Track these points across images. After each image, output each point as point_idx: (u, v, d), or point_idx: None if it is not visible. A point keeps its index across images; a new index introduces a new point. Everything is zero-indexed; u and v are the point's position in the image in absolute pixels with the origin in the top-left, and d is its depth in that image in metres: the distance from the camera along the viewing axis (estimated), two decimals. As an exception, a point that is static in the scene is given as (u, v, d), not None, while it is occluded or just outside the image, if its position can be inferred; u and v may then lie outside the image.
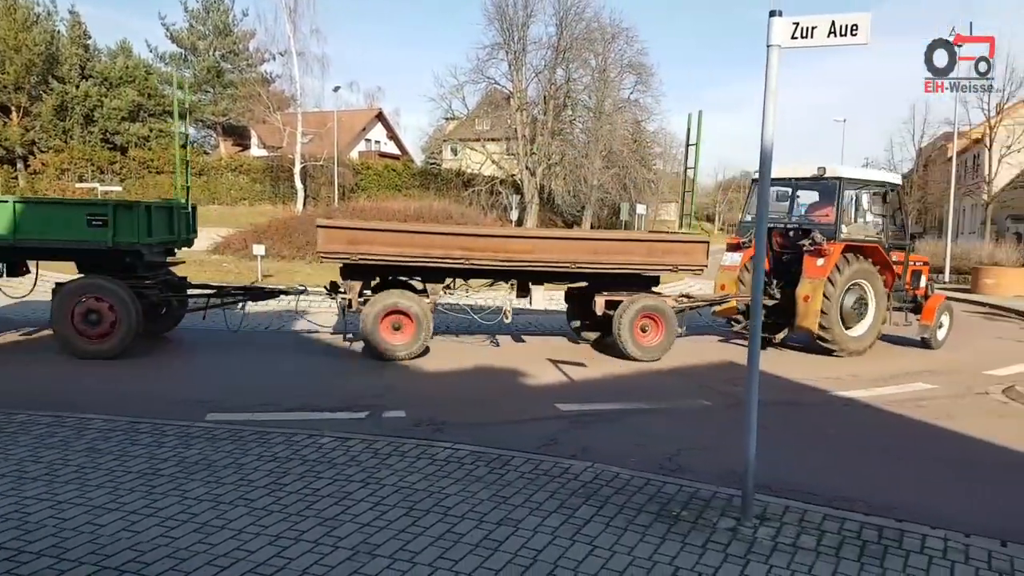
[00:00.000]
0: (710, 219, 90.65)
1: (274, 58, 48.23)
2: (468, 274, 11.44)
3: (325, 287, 11.58)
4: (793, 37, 4.57)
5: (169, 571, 3.91)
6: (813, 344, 12.10)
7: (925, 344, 12.89)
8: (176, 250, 12.36)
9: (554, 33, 49.11)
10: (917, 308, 13.20)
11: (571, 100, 52.40)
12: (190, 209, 11.96)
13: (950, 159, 34.98)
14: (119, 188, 36.97)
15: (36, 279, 11.57)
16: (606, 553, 4.27)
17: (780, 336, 12.53)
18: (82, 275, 10.35)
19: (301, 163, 40.03)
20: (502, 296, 11.85)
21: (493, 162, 52.02)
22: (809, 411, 8.61)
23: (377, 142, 62.98)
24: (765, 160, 4.71)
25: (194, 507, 4.76)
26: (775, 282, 12.54)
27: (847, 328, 12.02)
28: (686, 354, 11.79)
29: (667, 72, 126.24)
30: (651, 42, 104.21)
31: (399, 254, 10.44)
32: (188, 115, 13.05)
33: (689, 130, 11.84)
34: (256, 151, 53.58)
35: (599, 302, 11.38)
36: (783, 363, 11.09)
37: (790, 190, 13.51)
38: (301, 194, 40.04)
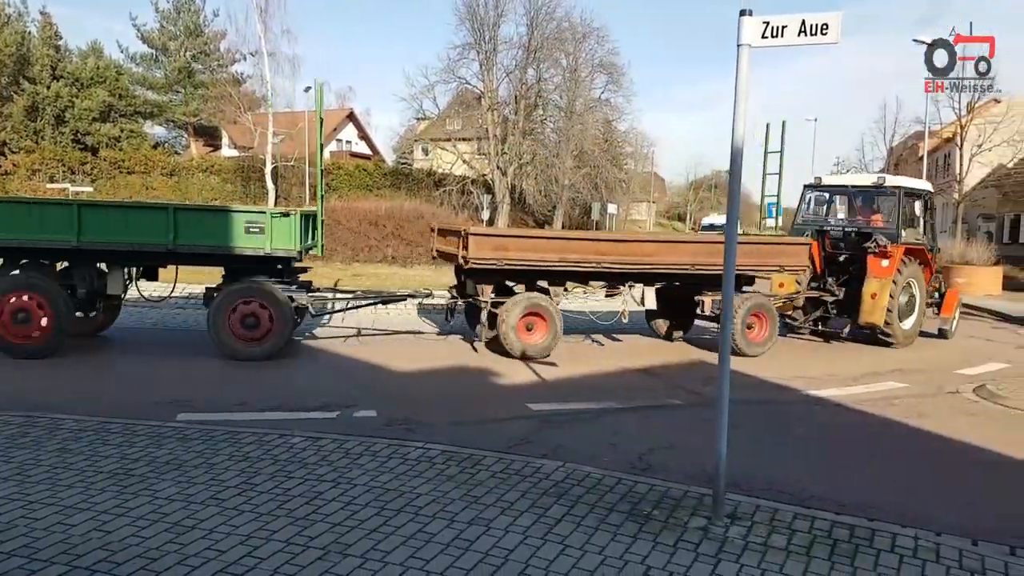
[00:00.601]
0: (681, 218, 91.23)
1: (245, 58, 47.78)
2: (593, 277, 12.06)
3: (449, 290, 12.32)
4: (763, 36, 4.61)
5: (140, 571, 3.86)
6: (873, 336, 13.19)
7: (942, 335, 14.16)
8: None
9: (525, 33, 49.12)
10: (938, 303, 14.47)
11: (542, 100, 52.46)
12: (321, 217, 12.06)
13: (921, 158, 35.48)
14: (90, 189, 36.39)
15: (175, 283, 11.75)
16: (577, 552, 4.27)
17: (846, 330, 13.57)
18: (240, 280, 10.53)
19: (272, 163, 39.69)
20: (619, 298, 12.21)
21: (464, 162, 51.94)
22: (781, 410, 8.68)
23: (348, 142, 62.63)
24: (736, 158, 4.74)
25: (165, 507, 4.71)
26: (832, 280, 13.83)
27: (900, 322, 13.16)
28: (658, 354, 11.87)
29: (637, 71, 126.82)
30: (621, 40, 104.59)
31: (540, 259, 10.97)
32: (321, 125, 12.85)
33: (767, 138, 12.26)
34: (227, 151, 53.02)
35: (707, 302, 12.02)
36: (755, 363, 11.17)
37: (827, 195, 15.09)
38: (272, 194, 39.68)
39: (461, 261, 10.70)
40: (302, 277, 11.62)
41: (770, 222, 36.37)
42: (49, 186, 36.83)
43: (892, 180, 13.87)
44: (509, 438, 6.90)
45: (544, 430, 7.30)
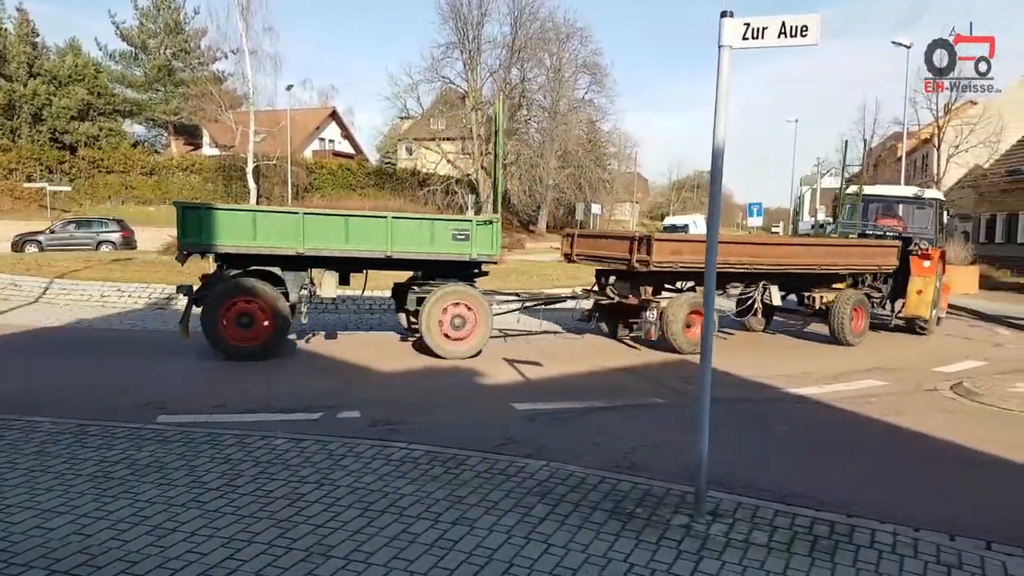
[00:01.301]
0: (664, 218, 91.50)
1: (226, 56, 47.52)
2: (744, 277, 13.05)
3: (591, 290, 13.30)
4: (744, 38, 4.63)
5: (121, 574, 3.84)
6: (912, 327, 14.79)
7: (936, 324, 15.33)
8: None
9: (509, 32, 49.26)
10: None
11: (526, 100, 52.55)
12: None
13: (900, 159, 35.79)
14: (68, 188, 36.07)
15: (364, 286, 12.42)
16: (561, 551, 4.28)
17: (892, 323, 15.26)
18: (449, 284, 11.19)
19: (254, 162, 39.47)
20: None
21: (448, 161, 51.94)
22: (762, 408, 8.74)
23: (331, 141, 62.41)
24: (717, 158, 4.77)
25: (145, 510, 4.68)
26: (870, 278, 15.18)
27: None
28: (640, 353, 11.91)
29: (620, 72, 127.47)
30: (604, 41, 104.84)
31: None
32: (499, 135, 12.98)
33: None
34: (208, 150, 52.74)
35: (817, 297, 13.74)
36: (736, 361, 11.24)
37: (862, 203, 17.48)
38: (254, 194, 39.50)
39: (637, 264, 11.50)
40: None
41: (755, 221, 36.66)
42: (26, 185, 36.48)
43: (929, 193, 16.54)
44: (493, 438, 6.90)
45: (528, 430, 7.31)
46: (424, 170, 52.54)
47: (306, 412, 7.63)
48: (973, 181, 35.89)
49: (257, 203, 38.56)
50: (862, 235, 16.24)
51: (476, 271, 11.63)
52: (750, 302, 13.23)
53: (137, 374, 9.48)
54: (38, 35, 47.88)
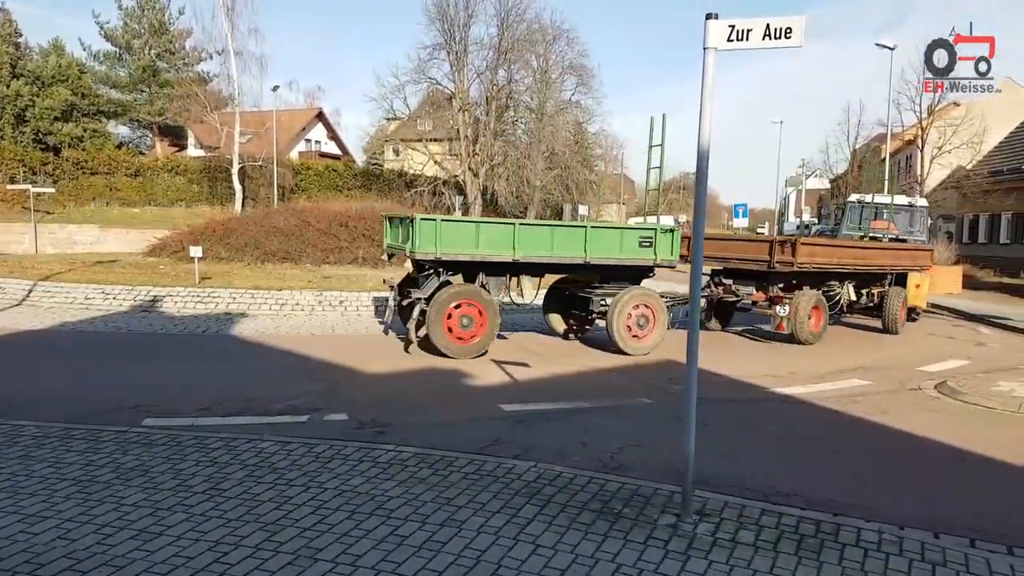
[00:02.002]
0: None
1: (211, 57, 47.18)
2: (846, 277, 14.97)
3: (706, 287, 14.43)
4: (729, 40, 4.66)
5: (104, 581, 3.81)
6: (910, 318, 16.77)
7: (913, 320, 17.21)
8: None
9: (495, 34, 49.11)
10: None
11: (513, 101, 52.50)
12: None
13: (884, 160, 36.00)
14: (52, 190, 35.75)
15: (537, 289, 13.45)
16: (549, 552, 4.29)
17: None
18: (633, 287, 12.37)
19: (239, 163, 39.26)
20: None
21: (436, 163, 51.84)
22: (748, 408, 8.78)
23: (317, 142, 62.15)
24: (702, 160, 4.79)
25: (131, 514, 4.65)
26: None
27: None
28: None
29: (606, 74, 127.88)
30: (590, 43, 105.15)
31: (827, 263, 13.79)
32: (655, 153, 13.93)
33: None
34: (193, 151, 52.43)
35: (877, 293, 15.67)
36: (722, 361, 11.28)
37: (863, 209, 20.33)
38: (240, 195, 39.25)
39: (778, 265, 12.89)
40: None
41: (740, 222, 36.78)
42: (9, 187, 36.14)
43: (920, 202, 19.90)
44: (481, 439, 6.90)
45: (516, 431, 7.31)
46: (411, 171, 52.39)
47: (293, 414, 7.61)
48: (956, 182, 36.14)
49: (243, 204, 38.39)
50: (864, 237, 18.30)
51: (650, 274, 12.84)
52: (838, 298, 14.91)
53: (122, 377, 9.42)
54: (21, 35, 47.38)
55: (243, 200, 39.38)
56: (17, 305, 15.32)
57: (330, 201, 29.28)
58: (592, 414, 8.10)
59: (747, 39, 4.64)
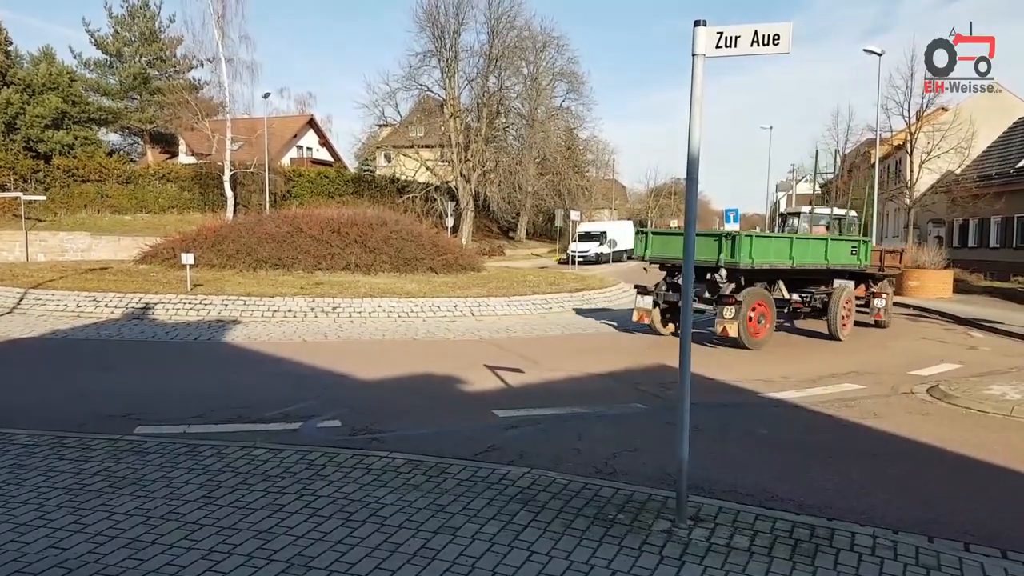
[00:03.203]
0: (643, 224, 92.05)
1: (202, 64, 47.06)
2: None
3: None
4: (717, 46, 4.68)
5: (95, 591, 3.79)
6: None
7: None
8: None
9: (486, 41, 49.38)
10: None
11: (504, 107, 52.68)
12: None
13: (873, 165, 36.14)
14: (43, 198, 35.61)
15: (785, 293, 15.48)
16: (543, 558, 4.28)
17: None
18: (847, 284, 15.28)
19: (231, 170, 39.20)
20: None
21: (427, 169, 51.91)
22: (741, 412, 8.78)
23: (309, 149, 62.07)
24: (692, 165, 4.81)
25: (123, 523, 4.63)
26: None
27: None
28: (620, 358, 11.94)
29: (597, 79, 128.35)
30: (580, 50, 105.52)
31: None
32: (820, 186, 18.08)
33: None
34: (184, 158, 52.26)
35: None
36: (715, 366, 11.31)
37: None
38: (231, 202, 39.20)
39: (887, 269, 16.59)
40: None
41: (733, 227, 36.90)
42: (0, 195, 35.99)
43: (839, 211, 22.20)
44: (475, 445, 6.90)
45: (510, 436, 7.30)
46: (403, 177, 52.47)
47: (286, 422, 7.59)
48: (945, 187, 36.31)
49: (235, 212, 38.32)
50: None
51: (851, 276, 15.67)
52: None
53: (114, 385, 9.38)
54: (11, 43, 47.20)
55: (235, 207, 39.34)
56: (8, 313, 15.25)
57: (322, 207, 29.21)
58: (586, 420, 8.10)
59: (735, 46, 4.66)
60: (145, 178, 43.39)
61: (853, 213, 22.56)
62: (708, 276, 13.58)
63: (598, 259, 45.33)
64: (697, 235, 13.09)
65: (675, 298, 13.96)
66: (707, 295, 13.74)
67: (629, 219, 57.06)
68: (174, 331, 13.70)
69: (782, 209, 26.84)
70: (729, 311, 13.04)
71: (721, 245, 13.19)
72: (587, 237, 47.40)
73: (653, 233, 14.38)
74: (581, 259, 42.20)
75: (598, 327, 15.91)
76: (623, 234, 48.33)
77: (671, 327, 14.66)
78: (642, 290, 14.61)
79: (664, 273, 14.83)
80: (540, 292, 19.48)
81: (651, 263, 14.50)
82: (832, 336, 14.74)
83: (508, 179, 50.18)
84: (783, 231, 24.57)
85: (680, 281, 12.73)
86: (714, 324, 13.34)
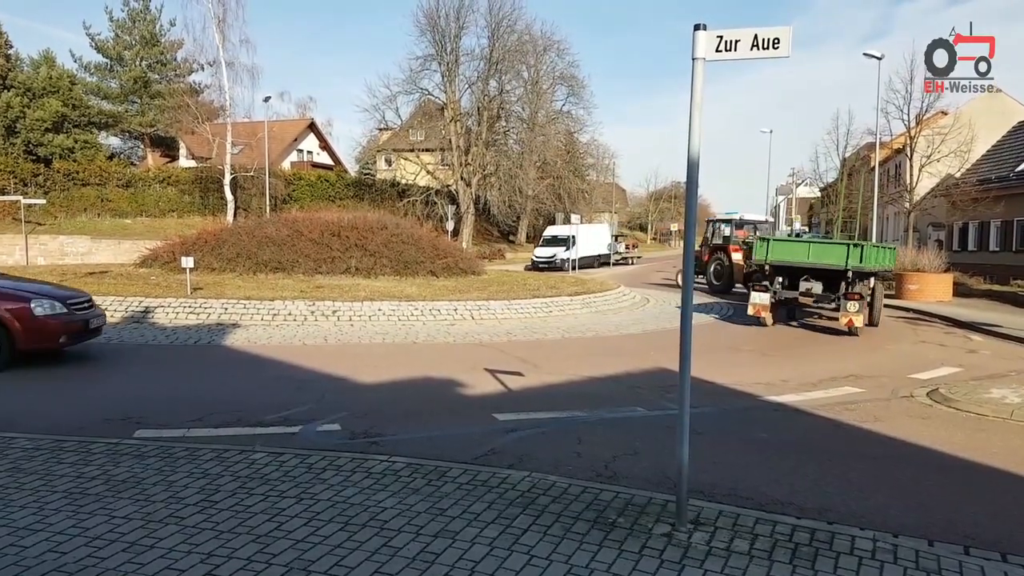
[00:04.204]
0: (643, 228, 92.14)
1: (203, 68, 47.07)
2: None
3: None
4: (717, 50, 4.68)
5: (94, 595, 3.79)
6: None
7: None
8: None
9: (486, 45, 49.45)
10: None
11: (504, 111, 52.74)
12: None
13: (873, 169, 36.15)
14: (43, 201, 35.62)
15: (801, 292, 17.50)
16: (543, 562, 4.27)
17: None
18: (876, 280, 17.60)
19: (231, 174, 39.23)
20: None
21: (428, 172, 51.95)
22: (741, 416, 8.78)
23: (309, 152, 62.13)
24: (692, 169, 4.81)
25: (122, 526, 4.62)
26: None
27: None
28: (620, 361, 11.94)
29: (596, 84, 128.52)
30: (580, 54, 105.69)
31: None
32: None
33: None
34: (185, 162, 52.33)
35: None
36: (715, 370, 11.29)
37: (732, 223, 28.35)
38: (232, 205, 39.23)
39: None
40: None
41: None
42: (0, 198, 36.00)
43: (770, 218, 25.89)
44: (475, 449, 6.89)
45: (510, 440, 7.30)
46: (404, 181, 52.51)
47: (285, 425, 7.58)
48: (945, 190, 36.31)
49: (235, 215, 38.34)
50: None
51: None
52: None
53: (113, 388, 9.38)
54: (11, 47, 47.22)
55: (235, 210, 39.37)
56: (7, 317, 15.21)
57: (322, 211, 29.20)
58: (586, 423, 8.10)
59: (735, 49, 4.67)
60: (145, 182, 43.40)
61: (771, 219, 25.43)
62: (825, 278, 16.62)
63: (562, 266, 39.31)
64: (827, 243, 18.48)
65: (791, 295, 17.16)
66: (822, 292, 16.71)
67: (608, 223, 55.30)
68: (174, 335, 13.70)
69: (739, 216, 29.05)
70: (853, 305, 15.32)
71: (849, 252, 16.00)
72: (553, 241, 43.20)
73: (775, 241, 17.64)
74: (544, 265, 39.48)
75: (597, 330, 15.92)
76: (595, 239, 45.10)
77: (770, 318, 17.21)
78: (762, 288, 16.87)
79: (780, 276, 17.31)
80: (540, 296, 19.49)
81: (771, 267, 17.06)
82: (871, 323, 16.90)
83: (508, 183, 50.22)
84: (712, 236, 29.23)
85: (799, 282, 16.99)
86: (838, 317, 15.92)
